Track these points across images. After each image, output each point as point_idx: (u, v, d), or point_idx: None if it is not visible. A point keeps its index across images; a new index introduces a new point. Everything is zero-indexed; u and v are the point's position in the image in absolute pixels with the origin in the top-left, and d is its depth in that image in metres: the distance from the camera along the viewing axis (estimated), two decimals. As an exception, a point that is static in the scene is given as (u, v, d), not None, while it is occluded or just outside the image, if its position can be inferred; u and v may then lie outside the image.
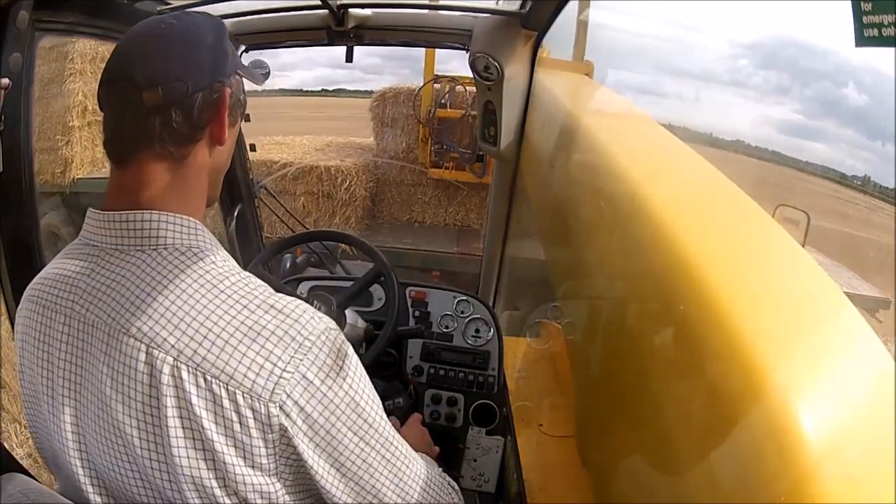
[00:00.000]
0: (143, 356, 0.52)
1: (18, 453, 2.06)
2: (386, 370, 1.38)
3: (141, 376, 0.53)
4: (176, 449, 0.52)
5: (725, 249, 0.64)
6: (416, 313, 1.44)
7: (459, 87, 4.53)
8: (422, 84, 4.74)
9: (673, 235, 0.64)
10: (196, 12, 0.63)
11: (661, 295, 0.65)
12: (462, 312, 1.42)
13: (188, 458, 0.53)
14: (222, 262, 0.58)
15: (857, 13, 0.40)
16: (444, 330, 1.42)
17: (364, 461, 0.58)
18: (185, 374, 0.51)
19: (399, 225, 4.77)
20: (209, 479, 0.53)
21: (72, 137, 4.17)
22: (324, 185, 4.48)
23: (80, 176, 4.24)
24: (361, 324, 1.23)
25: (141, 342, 0.53)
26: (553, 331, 1.29)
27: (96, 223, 0.58)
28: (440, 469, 0.76)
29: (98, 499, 0.59)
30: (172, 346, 0.52)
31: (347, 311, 1.22)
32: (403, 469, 0.62)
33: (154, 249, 0.56)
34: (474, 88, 4.47)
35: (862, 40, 0.41)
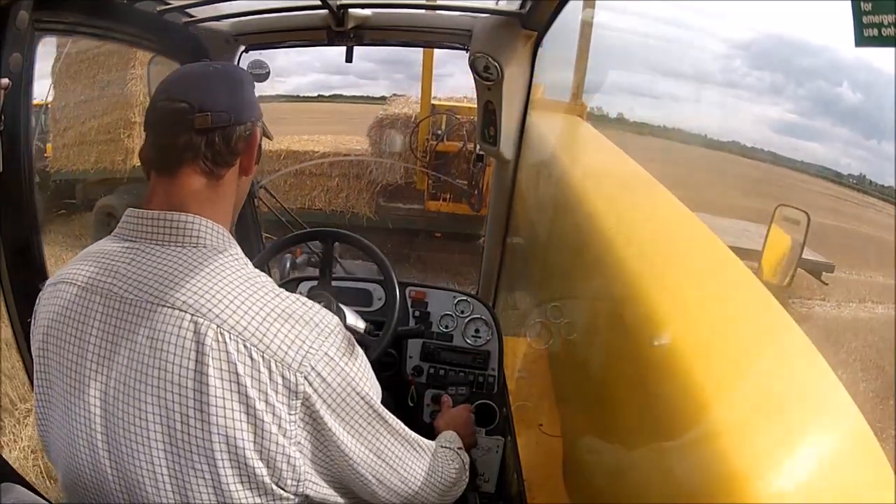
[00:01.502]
0: (187, 324, 0.58)
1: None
2: (386, 370, 1.38)
3: (184, 342, 0.58)
4: (215, 409, 0.57)
5: (681, 283, 0.70)
6: (416, 313, 1.44)
7: (456, 119, 4.87)
8: (419, 91, 5.12)
9: (632, 268, 0.73)
10: (236, 65, 0.71)
11: (618, 320, 0.73)
12: (462, 312, 1.42)
13: (225, 417, 0.57)
14: (252, 266, 0.66)
15: (857, 13, 0.40)
16: (444, 330, 1.42)
17: (371, 426, 0.66)
18: (228, 339, 0.58)
19: (408, 198, 5.50)
20: (243, 438, 0.57)
21: (133, 131, 5.10)
22: (353, 169, 5.48)
23: (139, 164, 4.96)
24: (361, 324, 1.23)
25: (186, 312, 0.58)
26: (553, 331, 1.29)
27: (136, 220, 0.65)
28: (455, 445, 0.90)
29: (112, 474, 0.60)
30: (217, 316, 0.58)
31: (347, 312, 1.22)
32: (406, 439, 0.72)
33: (194, 246, 0.63)
34: (473, 118, 4.60)
35: (862, 40, 0.41)
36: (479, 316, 1.42)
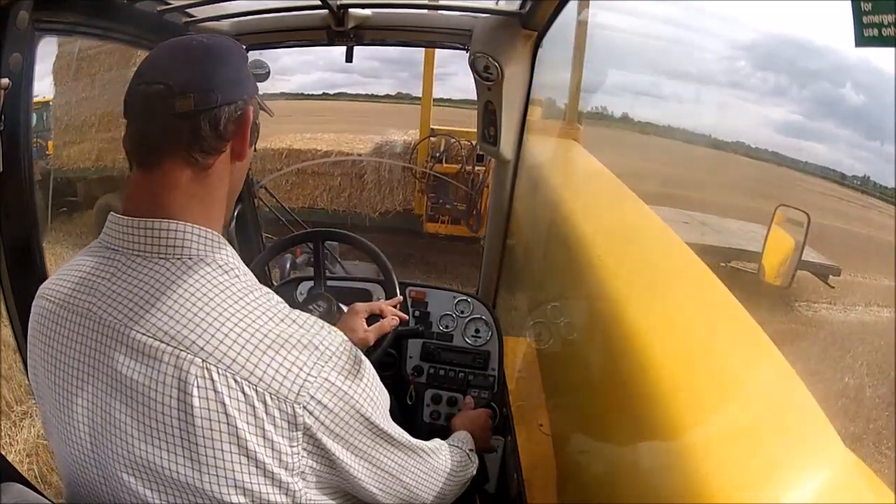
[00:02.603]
0: (167, 357, 0.53)
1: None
2: (386, 370, 1.38)
3: (165, 377, 0.53)
4: (203, 448, 0.53)
5: (664, 296, 0.73)
6: (416, 313, 1.44)
7: (455, 141, 4.92)
8: (419, 99, 5.28)
9: (617, 284, 0.77)
10: (223, 36, 0.66)
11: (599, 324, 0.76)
12: (462, 312, 1.42)
13: (215, 457, 0.53)
14: (244, 276, 0.60)
15: (857, 13, 0.40)
16: (444, 330, 1.42)
17: (377, 444, 0.64)
18: (215, 376, 0.53)
19: (411, 192, 5.61)
20: (235, 479, 0.54)
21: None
22: (356, 168, 5.54)
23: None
24: (361, 324, 1.23)
25: (167, 345, 0.54)
26: (552, 331, 1.29)
27: (118, 228, 0.59)
28: (467, 447, 0.90)
29: (105, 492, 0.58)
30: (201, 349, 0.53)
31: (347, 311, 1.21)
32: (411, 448, 0.70)
33: (178, 259, 0.57)
34: (472, 141, 4.67)
35: (862, 40, 0.41)
36: (479, 316, 1.42)
